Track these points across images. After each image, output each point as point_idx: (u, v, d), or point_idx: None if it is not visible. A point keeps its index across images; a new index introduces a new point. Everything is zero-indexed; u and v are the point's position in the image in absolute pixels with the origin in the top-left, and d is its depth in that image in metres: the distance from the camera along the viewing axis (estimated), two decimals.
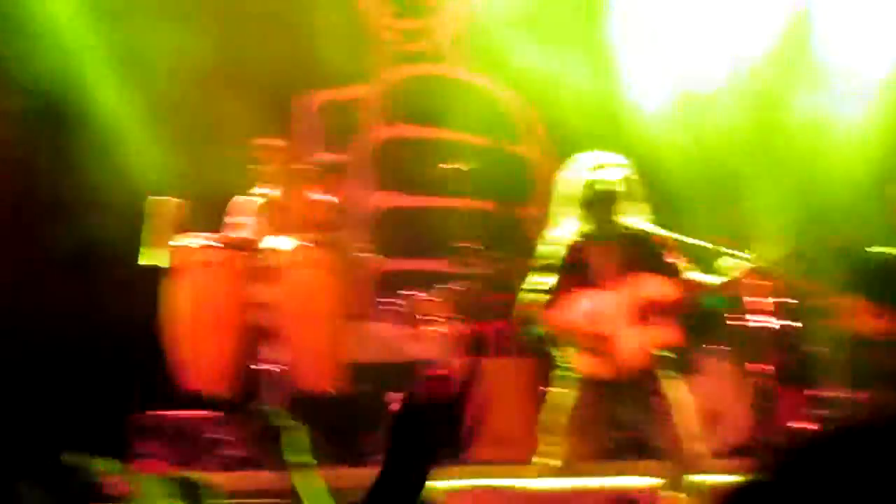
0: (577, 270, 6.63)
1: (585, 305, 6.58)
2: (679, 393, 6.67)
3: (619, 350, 6.53)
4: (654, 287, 6.55)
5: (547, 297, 6.63)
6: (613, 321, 6.55)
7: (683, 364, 6.97)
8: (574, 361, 6.59)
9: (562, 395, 6.62)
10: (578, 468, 6.47)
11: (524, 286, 6.76)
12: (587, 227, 6.66)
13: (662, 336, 6.59)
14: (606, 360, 6.52)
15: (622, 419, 6.70)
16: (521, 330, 6.90)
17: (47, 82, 9.74)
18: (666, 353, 6.65)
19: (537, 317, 6.65)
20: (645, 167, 7.03)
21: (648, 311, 6.53)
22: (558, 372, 6.73)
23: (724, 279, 6.57)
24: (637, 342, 6.55)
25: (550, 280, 6.65)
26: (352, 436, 8.97)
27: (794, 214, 9.27)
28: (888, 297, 7.55)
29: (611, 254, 6.62)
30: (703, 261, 6.68)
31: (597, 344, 6.51)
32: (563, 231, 6.72)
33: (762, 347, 9.13)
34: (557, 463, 6.56)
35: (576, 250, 6.65)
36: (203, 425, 9.06)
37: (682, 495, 6.28)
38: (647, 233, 6.62)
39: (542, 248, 6.80)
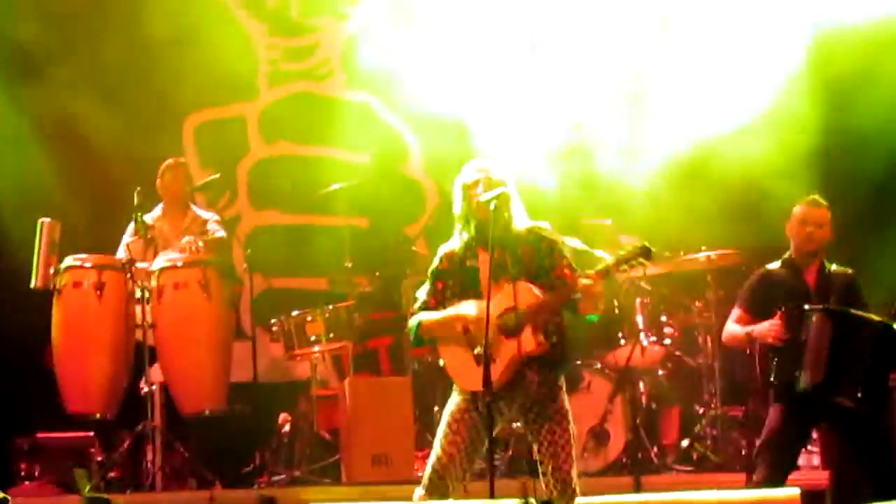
0: (453, 276, 6.61)
1: (464, 308, 6.50)
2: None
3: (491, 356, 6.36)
4: (527, 294, 6.42)
5: (421, 302, 6.63)
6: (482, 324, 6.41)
7: (569, 380, 6.87)
8: (449, 370, 6.54)
9: (448, 405, 6.55)
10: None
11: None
12: (468, 236, 6.62)
13: (531, 344, 6.41)
14: (474, 371, 6.40)
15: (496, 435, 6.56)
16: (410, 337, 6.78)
17: None
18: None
19: (413, 321, 6.61)
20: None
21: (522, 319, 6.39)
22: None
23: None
24: (509, 350, 6.43)
25: (426, 287, 6.66)
26: (232, 456, 8.94)
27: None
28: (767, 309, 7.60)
29: (490, 260, 6.38)
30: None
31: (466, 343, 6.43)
32: (450, 242, 6.71)
33: (649, 364, 9.22)
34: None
35: (451, 258, 6.63)
36: (85, 446, 9.02)
37: None
38: (538, 235, 6.55)
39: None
